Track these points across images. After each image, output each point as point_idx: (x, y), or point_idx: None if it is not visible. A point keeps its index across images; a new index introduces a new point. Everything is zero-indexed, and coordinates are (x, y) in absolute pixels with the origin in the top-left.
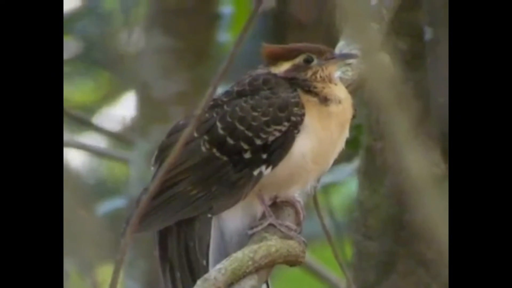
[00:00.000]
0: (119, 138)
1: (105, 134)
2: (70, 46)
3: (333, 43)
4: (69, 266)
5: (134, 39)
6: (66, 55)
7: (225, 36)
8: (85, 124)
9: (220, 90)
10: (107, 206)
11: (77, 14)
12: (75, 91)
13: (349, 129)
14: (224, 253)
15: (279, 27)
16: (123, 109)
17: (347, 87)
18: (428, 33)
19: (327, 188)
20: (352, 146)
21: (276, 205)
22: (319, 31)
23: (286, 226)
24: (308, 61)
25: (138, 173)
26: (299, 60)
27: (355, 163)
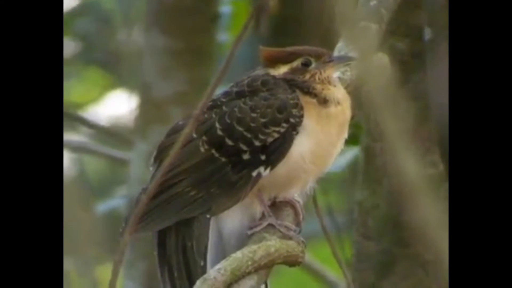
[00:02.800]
0: (119, 137)
1: (104, 134)
2: (68, 46)
3: (332, 44)
4: (68, 265)
5: (133, 39)
6: (65, 54)
7: (224, 36)
8: (84, 124)
9: (219, 91)
10: (106, 205)
11: (76, 13)
12: (73, 90)
13: (348, 128)
14: (222, 254)
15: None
16: (122, 109)
17: (346, 88)
18: (427, 34)
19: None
20: (351, 143)
21: (276, 206)
22: (318, 31)
23: (286, 226)
24: (306, 65)
25: (137, 173)
26: (297, 63)
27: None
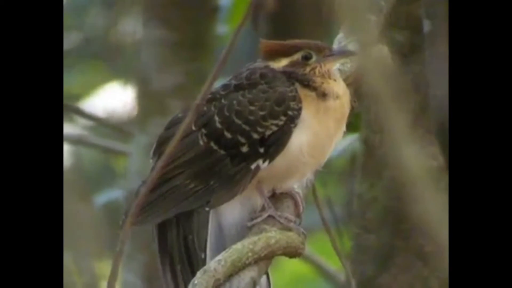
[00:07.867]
0: (117, 130)
1: (103, 126)
2: (67, 38)
3: (331, 36)
4: (67, 259)
5: (132, 31)
6: (64, 47)
7: (224, 29)
8: (82, 116)
9: (218, 83)
10: (104, 197)
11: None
12: (72, 83)
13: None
14: (222, 246)
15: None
16: (121, 101)
17: (345, 79)
18: (427, 26)
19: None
20: (349, 130)
21: (276, 197)
22: (318, 23)
23: (286, 218)
24: (306, 58)
25: (137, 165)
26: (297, 56)
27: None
